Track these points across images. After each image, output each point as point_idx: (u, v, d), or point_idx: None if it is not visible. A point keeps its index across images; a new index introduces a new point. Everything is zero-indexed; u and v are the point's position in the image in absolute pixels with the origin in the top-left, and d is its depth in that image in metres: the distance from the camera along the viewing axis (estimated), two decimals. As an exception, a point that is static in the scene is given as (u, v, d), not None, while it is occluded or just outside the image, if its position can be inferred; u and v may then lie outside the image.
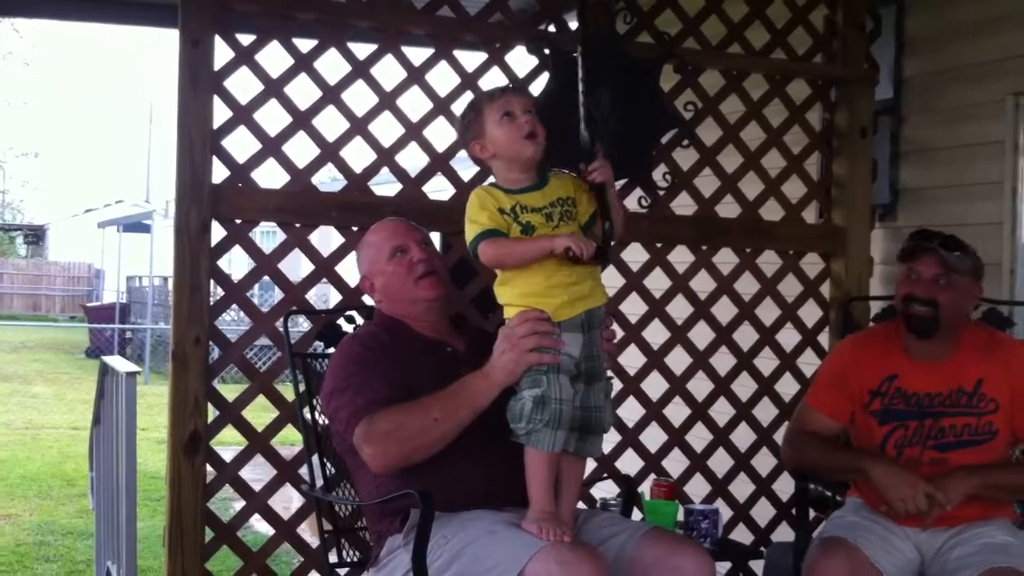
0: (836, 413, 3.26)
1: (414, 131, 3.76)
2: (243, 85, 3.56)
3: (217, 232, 3.52)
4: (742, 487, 4.22)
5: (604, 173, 2.63)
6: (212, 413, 3.53)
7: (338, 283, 3.67)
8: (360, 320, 3.21)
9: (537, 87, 3.88)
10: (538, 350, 2.57)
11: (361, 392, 2.72)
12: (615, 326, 3.84)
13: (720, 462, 4.20)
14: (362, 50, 3.74)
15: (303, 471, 3.51)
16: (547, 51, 3.87)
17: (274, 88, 3.61)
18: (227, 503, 6.73)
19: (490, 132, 2.66)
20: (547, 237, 2.56)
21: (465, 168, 3.81)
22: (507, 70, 3.89)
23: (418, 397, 2.68)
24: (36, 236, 38.23)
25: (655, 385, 4.12)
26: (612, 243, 2.66)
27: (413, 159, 3.93)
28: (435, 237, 3.91)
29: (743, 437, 4.22)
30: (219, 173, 3.53)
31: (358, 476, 2.85)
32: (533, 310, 2.59)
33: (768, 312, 4.25)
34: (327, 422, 2.92)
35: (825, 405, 3.27)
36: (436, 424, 2.64)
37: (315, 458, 3.09)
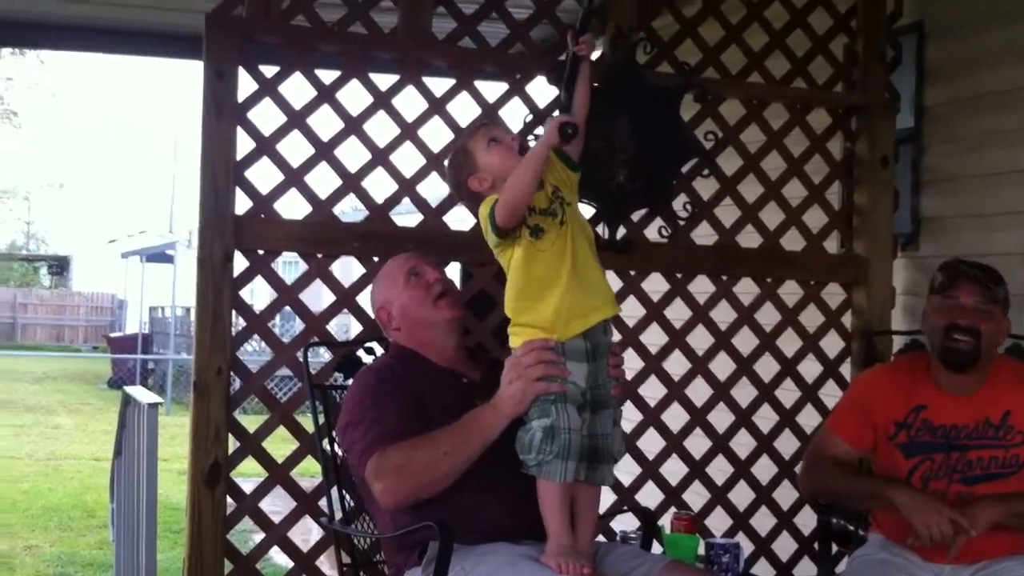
0: (857, 440, 3.23)
1: (435, 161, 3.77)
2: (266, 116, 3.59)
3: (239, 262, 3.54)
4: (763, 520, 4.18)
5: (588, 48, 2.65)
6: (233, 443, 3.53)
7: (359, 314, 3.68)
8: (380, 351, 3.21)
9: (557, 117, 3.89)
10: (545, 379, 2.56)
11: (373, 427, 2.71)
12: (630, 356, 3.84)
13: (741, 495, 4.16)
14: (384, 81, 3.76)
15: (323, 503, 3.51)
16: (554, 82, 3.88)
17: (297, 119, 3.64)
18: (246, 535, 6.71)
19: (482, 162, 2.67)
20: (542, 140, 2.55)
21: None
22: (527, 100, 3.90)
23: (434, 428, 2.67)
24: (60, 267, 38.52)
25: (675, 416, 4.09)
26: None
27: (434, 189, 3.95)
28: (455, 267, 3.94)
29: (764, 470, 4.18)
30: (242, 204, 3.55)
31: (376, 509, 2.83)
32: (539, 339, 2.58)
33: (789, 343, 4.23)
34: (343, 455, 2.92)
35: (846, 432, 3.24)
36: (446, 458, 2.62)
37: (334, 490, 3.07)
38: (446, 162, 2.81)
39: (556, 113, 2.67)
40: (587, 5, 2.66)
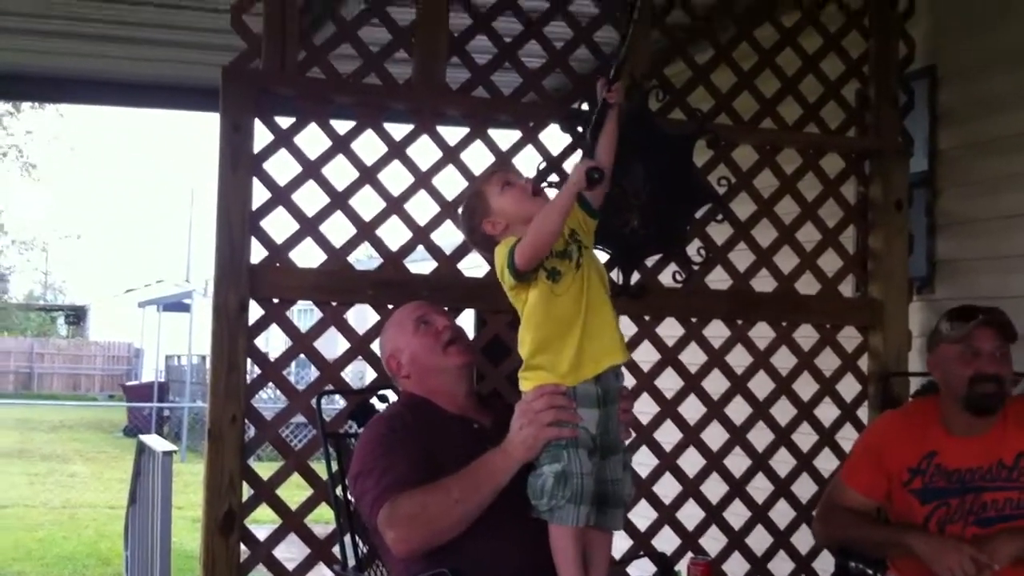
0: (871, 491, 3.22)
1: (449, 209, 3.80)
2: (282, 166, 3.62)
3: (255, 311, 3.55)
4: (782, 566, 4.14)
5: (619, 96, 2.66)
6: (246, 491, 3.52)
7: (373, 361, 3.68)
8: (393, 398, 3.21)
9: (570, 165, 3.91)
10: (557, 424, 2.55)
11: (385, 475, 2.70)
12: (645, 401, 3.83)
13: (759, 540, 4.13)
14: (398, 131, 3.80)
15: (336, 549, 3.50)
16: (580, 129, 3.90)
17: (312, 169, 3.67)
18: (262, 583, 6.68)
19: (496, 205, 2.68)
20: (569, 184, 2.54)
21: (499, 245, 3.83)
22: (541, 148, 3.92)
23: (445, 475, 2.66)
24: (77, 316, 38.69)
25: (692, 461, 4.08)
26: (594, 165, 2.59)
27: (447, 237, 3.97)
28: (469, 314, 3.95)
29: (782, 514, 4.15)
30: (257, 253, 3.57)
31: (389, 556, 2.82)
32: (550, 384, 2.58)
33: (806, 387, 4.21)
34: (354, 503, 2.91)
35: (860, 482, 3.23)
36: (457, 504, 2.61)
37: (347, 537, 3.06)
38: (460, 207, 2.82)
39: (580, 155, 2.68)
40: (621, 55, 2.69)
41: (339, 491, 3.08)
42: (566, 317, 2.57)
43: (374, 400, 3.22)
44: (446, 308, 3.23)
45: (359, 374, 13.53)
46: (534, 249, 2.53)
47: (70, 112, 30.13)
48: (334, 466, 3.11)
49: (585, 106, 4.00)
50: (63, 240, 38.92)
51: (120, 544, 8.36)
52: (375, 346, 3.70)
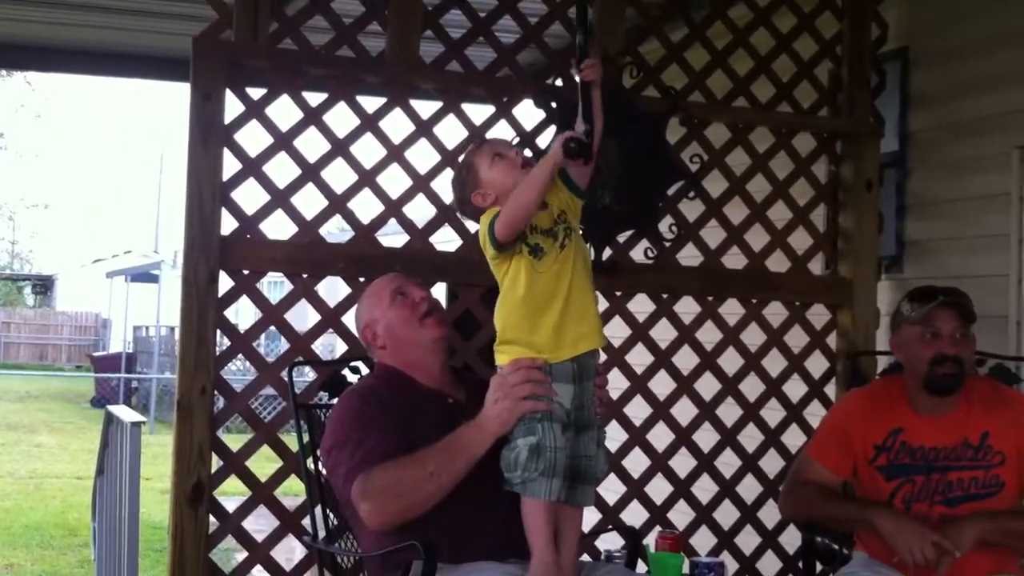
0: (838, 468, 3.24)
1: (422, 183, 3.79)
2: (253, 138, 3.60)
3: (224, 282, 3.54)
4: (748, 540, 4.19)
5: (594, 72, 2.62)
6: (215, 463, 3.52)
7: (345, 333, 3.68)
8: (365, 371, 3.21)
9: (544, 140, 3.92)
10: (532, 398, 2.57)
11: (358, 448, 2.70)
12: (615, 376, 3.85)
13: (726, 514, 4.17)
14: (371, 103, 3.78)
15: (306, 522, 3.50)
16: (554, 104, 3.90)
17: (283, 141, 3.65)
18: (228, 553, 6.67)
19: (486, 176, 2.69)
20: (547, 156, 2.55)
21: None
22: (514, 123, 3.92)
23: (420, 448, 2.67)
24: (44, 286, 38.35)
25: (660, 436, 4.11)
26: (591, 144, 2.60)
27: (420, 210, 3.96)
28: (441, 288, 3.95)
29: (749, 489, 4.20)
30: (228, 224, 3.55)
31: (360, 528, 2.83)
32: (526, 358, 2.59)
33: (774, 363, 4.25)
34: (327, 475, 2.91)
35: (827, 459, 3.25)
36: (432, 478, 2.62)
37: (318, 509, 3.07)
38: (451, 178, 2.81)
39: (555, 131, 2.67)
40: (582, 33, 2.67)
41: (310, 463, 3.08)
42: (545, 295, 2.58)
43: (346, 372, 3.22)
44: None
45: (328, 347, 13.51)
46: (513, 219, 2.54)
47: (37, 80, 29.75)
48: (305, 438, 3.11)
49: (559, 81, 4.00)
50: (30, 209, 38.57)
51: (87, 515, 8.34)
52: (346, 319, 3.70)
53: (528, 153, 3.83)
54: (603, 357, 3.87)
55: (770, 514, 4.15)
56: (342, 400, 2.90)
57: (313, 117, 3.69)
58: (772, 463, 4.19)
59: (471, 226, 3.83)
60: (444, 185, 3.80)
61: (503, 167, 2.67)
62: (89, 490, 8.27)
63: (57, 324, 31.90)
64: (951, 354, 3.06)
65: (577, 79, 2.64)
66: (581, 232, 2.73)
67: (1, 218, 35.79)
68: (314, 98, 3.72)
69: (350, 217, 3.73)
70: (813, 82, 4.35)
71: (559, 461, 2.55)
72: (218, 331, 3.53)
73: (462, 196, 2.74)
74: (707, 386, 4.17)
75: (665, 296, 4.13)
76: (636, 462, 4.06)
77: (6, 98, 29.55)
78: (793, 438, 4.19)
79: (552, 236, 2.60)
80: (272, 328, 3.75)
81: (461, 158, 2.86)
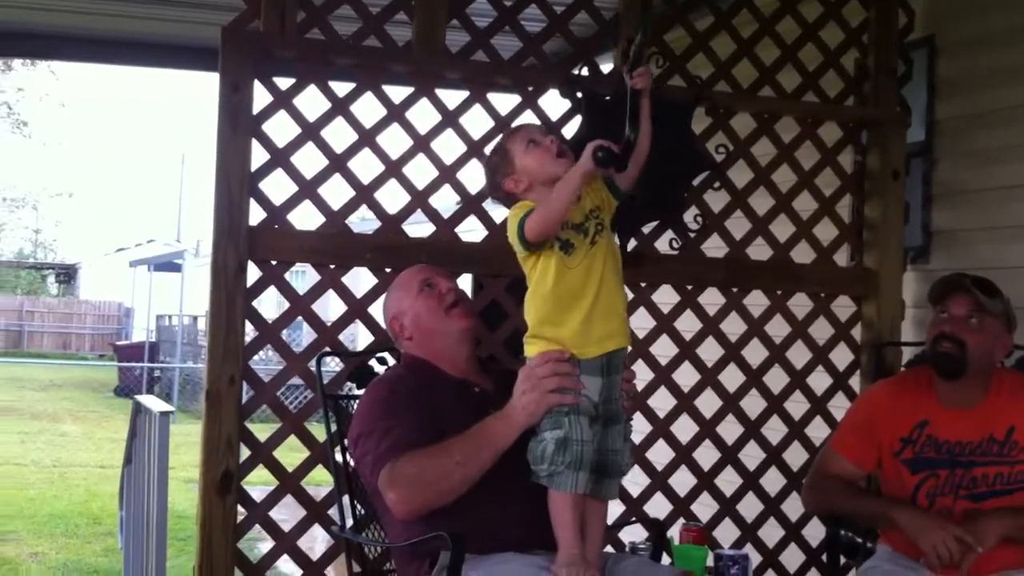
0: (862, 460, 3.24)
1: (448, 173, 3.79)
2: (281, 128, 3.61)
3: (252, 272, 3.55)
4: (771, 532, 4.18)
5: (645, 80, 2.64)
6: (243, 453, 3.54)
7: (371, 324, 3.69)
8: (392, 361, 3.22)
9: (570, 130, 3.92)
10: (559, 391, 2.57)
11: (386, 437, 2.72)
12: (640, 368, 3.84)
13: (750, 507, 4.17)
14: (397, 93, 3.78)
15: (332, 512, 3.52)
16: (580, 95, 3.90)
17: (311, 131, 3.66)
18: (251, 543, 6.71)
19: (520, 163, 2.68)
20: (577, 165, 2.54)
21: (497, 208, 3.83)
22: (540, 113, 3.92)
23: (447, 438, 2.68)
24: (68, 275, 38.61)
25: (685, 428, 4.11)
26: (633, 150, 2.63)
27: (446, 200, 3.97)
28: (467, 279, 3.95)
29: (773, 481, 4.19)
30: (255, 214, 3.57)
31: (387, 518, 2.84)
32: (554, 351, 2.59)
33: (799, 355, 4.24)
34: (355, 464, 2.93)
35: (851, 451, 3.25)
36: (458, 467, 2.63)
37: (345, 499, 3.09)
38: (484, 162, 2.81)
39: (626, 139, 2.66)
40: (638, 40, 2.68)
41: (337, 453, 3.09)
42: (575, 291, 2.58)
43: (372, 362, 3.24)
44: (445, 272, 3.23)
45: (350, 338, 13.57)
46: (543, 227, 2.54)
47: (61, 69, 29.90)
48: (333, 427, 3.13)
49: (585, 71, 3.99)
50: (54, 198, 38.75)
51: (111, 504, 8.41)
52: (372, 309, 3.71)
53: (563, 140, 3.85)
54: (627, 348, 3.90)
55: (794, 507, 4.14)
56: (370, 389, 2.91)
57: (340, 107, 3.70)
58: (796, 456, 4.18)
59: (497, 216, 3.84)
60: (470, 175, 3.83)
61: (538, 154, 2.67)
62: (113, 479, 8.35)
63: (80, 313, 32.13)
64: (949, 332, 3.07)
65: (628, 86, 2.64)
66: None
67: (25, 207, 35.99)
68: (341, 88, 3.72)
69: (376, 207, 3.74)
70: (839, 71, 4.33)
71: (586, 454, 2.55)
72: (246, 321, 3.54)
73: (494, 181, 2.74)
74: (731, 378, 4.16)
75: (690, 287, 4.12)
76: (660, 454, 4.06)
77: (31, 87, 29.75)
78: (817, 430, 4.18)
79: (583, 232, 2.60)
80: (293, 319, 3.77)
81: (495, 142, 2.86)
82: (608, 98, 3.84)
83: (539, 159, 2.66)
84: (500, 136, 2.87)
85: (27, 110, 31.91)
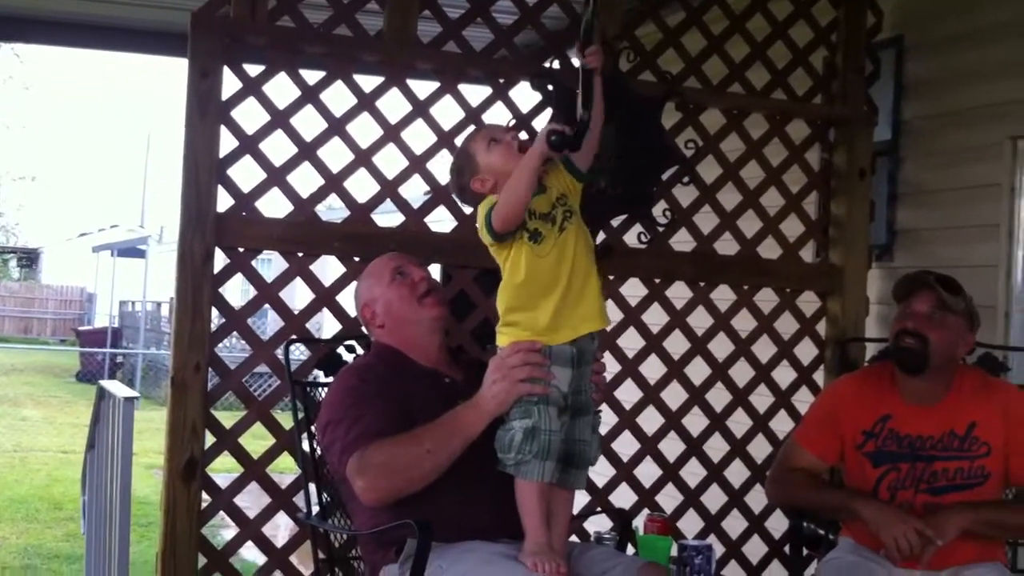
0: (825, 453, 3.27)
1: (417, 164, 3.79)
2: (249, 115, 3.60)
3: (219, 259, 3.54)
4: (735, 524, 4.22)
5: (597, 59, 2.64)
6: (208, 440, 3.53)
7: (339, 312, 3.69)
8: (360, 350, 3.22)
9: (540, 122, 3.92)
10: (529, 380, 2.59)
11: (355, 425, 2.72)
12: (607, 360, 3.86)
13: (714, 498, 4.20)
14: (368, 83, 3.78)
15: (297, 499, 3.52)
16: (550, 87, 3.91)
17: (280, 119, 3.65)
18: (215, 530, 6.69)
19: (483, 162, 2.69)
20: (531, 149, 2.55)
21: (467, 200, 3.84)
22: (511, 105, 3.92)
23: (416, 426, 2.69)
24: (30, 259, 38.18)
25: (651, 420, 4.13)
26: (587, 130, 2.61)
27: (415, 190, 3.96)
28: (435, 268, 3.96)
29: (737, 474, 4.23)
30: (223, 201, 3.55)
31: (354, 506, 2.85)
32: (525, 341, 2.61)
33: (764, 349, 4.28)
34: (322, 451, 2.93)
35: (814, 444, 3.28)
36: (428, 456, 2.64)
37: (312, 486, 3.09)
38: (450, 166, 2.82)
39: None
40: (587, 18, 2.68)
41: (304, 440, 3.09)
42: (547, 279, 2.59)
43: (341, 350, 3.24)
44: (415, 262, 3.22)
45: (315, 326, 13.51)
46: (507, 212, 2.55)
47: (26, 52, 29.52)
48: (300, 415, 3.13)
49: (556, 64, 4.00)
50: (16, 181, 38.32)
51: (73, 489, 8.36)
52: (340, 298, 3.71)
53: (524, 136, 3.85)
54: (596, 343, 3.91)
55: (757, 499, 4.18)
56: (339, 377, 2.91)
57: (310, 95, 3.69)
58: (760, 448, 4.22)
59: (466, 208, 3.84)
60: (440, 166, 3.82)
61: (500, 151, 2.68)
62: (75, 464, 8.29)
63: (42, 298, 31.80)
64: (912, 328, 3.11)
65: (578, 65, 2.65)
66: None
67: (-13, 190, 35.56)
68: (311, 76, 3.71)
69: (346, 196, 3.74)
70: (808, 69, 4.36)
71: (553, 444, 2.57)
72: (212, 308, 3.53)
73: (460, 183, 2.75)
74: (697, 371, 4.20)
75: (658, 281, 4.14)
76: (626, 446, 4.09)
77: (-6, 70, 29.34)
78: (781, 424, 4.22)
79: (551, 220, 2.61)
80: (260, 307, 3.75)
81: (459, 147, 2.87)
82: (578, 91, 3.84)
83: (502, 155, 2.67)
84: (463, 139, 2.87)
85: (-10, 92, 31.50)
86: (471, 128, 3.80)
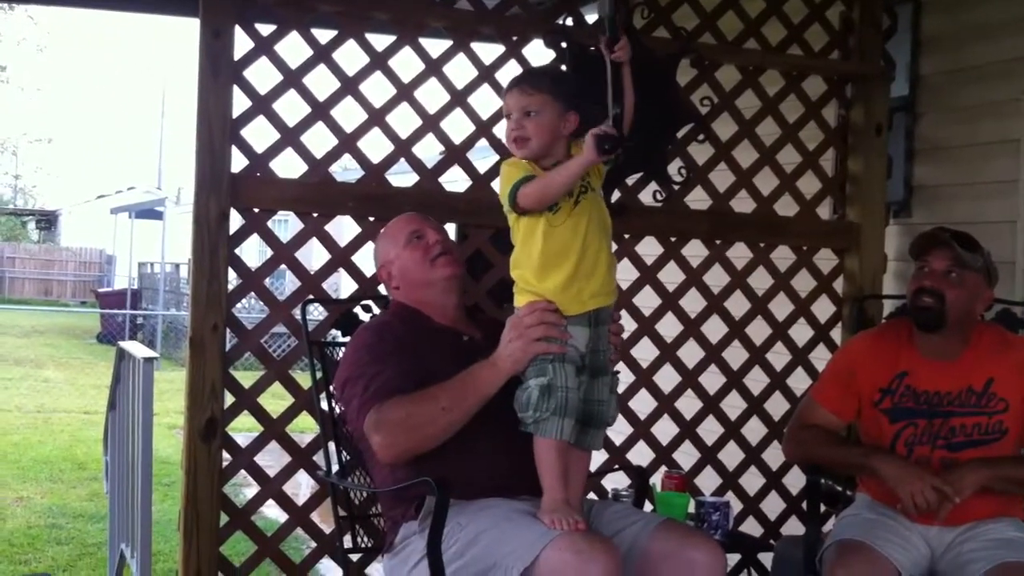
0: (841, 410, 3.28)
1: (431, 123, 3.78)
2: (262, 75, 3.59)
3: (235, 220, 3.54)
4: (752, 480, 4.24)
5: (624, 52, 2.64)
6: (228, 400, 3.56)
7: (354, 272, 3.70)
8: (377, 309, 3.24)
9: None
10: (545, 340, 2.60)
11: (372, 382, 2.75)
12: (623, 319, 3.87)
13: (731, 455, 4.22)
14: (380, 41, 3.76)
15: (317, 457, 3.55)
16: (564, 45, 3.88)
17: (293, 78, 3.64)
18: (237, 489, 6.77)
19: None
20: (581, 156, 2.55)
21: (481, 158, 3.83)
22: (524, 63, 3.90)
23: (434, 384, 2.71)
24: (48, 221, 38.34)
25: (667, 378, 4.14)
26: (621, 124, 2.62)
27: (429, 150, 3.95)
28: (451, 228, 3.95)
29: (754, 431, 4.24)
30: (238, 162, 3.55)
31: (373, 463, 2.87)
32: (541, 300, 2.62)
33: (781, 307, 4.27)
34: (341, 409, 2.96)
35: (831, 401, 3.29)
36: (444, 413, 2.67)
37: (331, 444, 3.11)
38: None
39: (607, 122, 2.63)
40: (610, 10, 2.66)
41: (323, 399, 3.12)
42: (560, 250, 2.60)
43: (357, 310, 3.25)
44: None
45: (332, 287, 13.55)
46: (537, 202, 2.58)
47: (39, 14, 29.48)
48: (318, 375, 3.15)
49: (570, 21, 3.97)
50: (33, 144, 38.45)
51: (95, 449, 8.43)
52: (356, 258, 3.72)
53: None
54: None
55: (774, 456, 4.20)
56: (357, 335, 2.93)
57: (322, 54, 3.67)
58: (777, 406, 4.23)
59: (481, 167, 3.84)
60: (454, 125, 3.81)
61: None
62: (97, 425, 8.35)
63: (62, 260, 31.95)
64: (929, 286, 3.10)
65: (608, 59, 2.63)
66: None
67: (4, 153, 35.67)
68: (323, 35, 3.70)
69: (360, 156, 3.73)
70: (824, 24, 4.31)
71: (571, 401, 2.58)
72: (229, 269, 3.54)
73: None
74: (714, 329, 4.19)
75: (673, 239, 4.13)
76: (643, 403, 4.10)
77: (8, 33, 29.34)
78: (798, 381, 4.23)
79: (568, 192, 2.61)
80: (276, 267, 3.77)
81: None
82: (593, 49, 3.82)
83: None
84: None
85: (5, 55, 31.52)
86: (485, 87, 3.78)
